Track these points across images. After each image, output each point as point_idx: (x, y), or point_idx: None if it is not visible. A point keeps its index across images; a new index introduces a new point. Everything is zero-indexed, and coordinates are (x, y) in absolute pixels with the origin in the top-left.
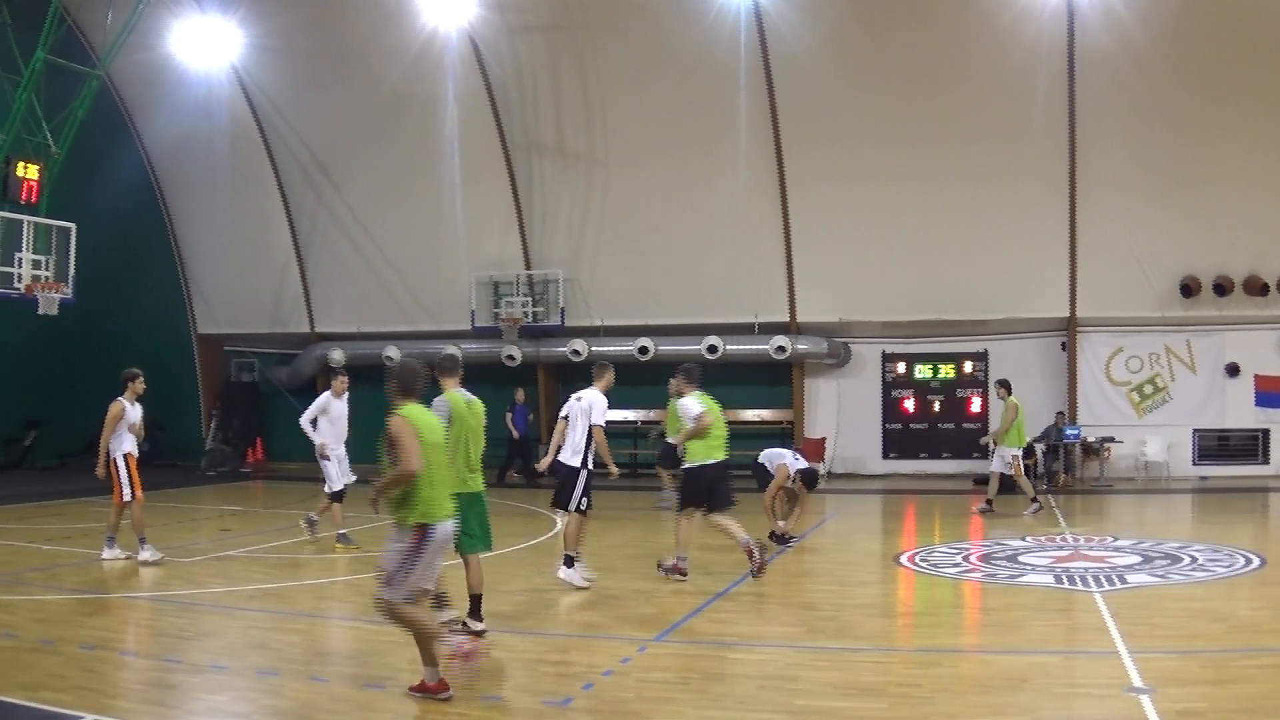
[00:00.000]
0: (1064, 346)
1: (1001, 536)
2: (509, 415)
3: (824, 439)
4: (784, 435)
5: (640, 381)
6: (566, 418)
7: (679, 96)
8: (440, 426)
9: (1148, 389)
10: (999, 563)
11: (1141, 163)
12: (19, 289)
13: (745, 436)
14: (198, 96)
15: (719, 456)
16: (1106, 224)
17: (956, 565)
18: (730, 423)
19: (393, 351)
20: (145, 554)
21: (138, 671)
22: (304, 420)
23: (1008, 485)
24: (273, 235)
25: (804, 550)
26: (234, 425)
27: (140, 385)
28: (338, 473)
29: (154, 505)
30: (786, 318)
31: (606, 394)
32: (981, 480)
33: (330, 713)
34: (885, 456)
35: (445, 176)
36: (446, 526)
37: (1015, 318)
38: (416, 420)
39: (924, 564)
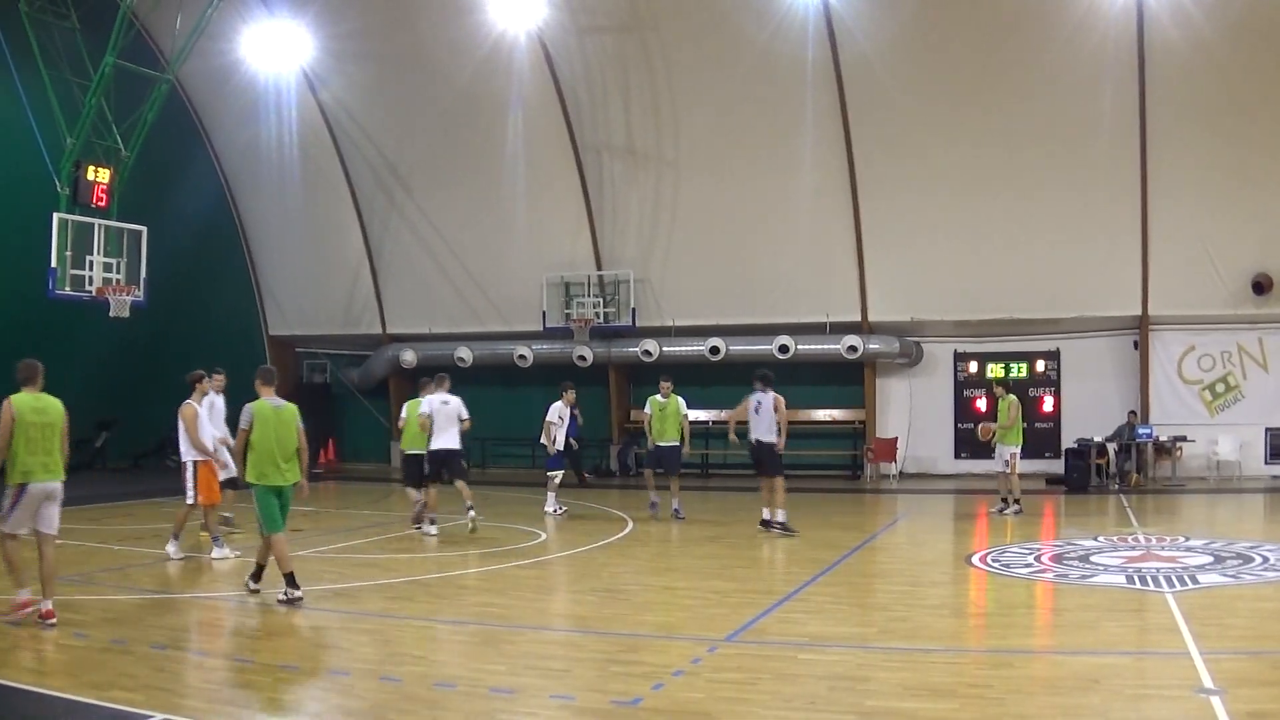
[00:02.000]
0: (1136, 345)
1: (1073, 536)
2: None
3: (895, 439)
4: (855, 435)
5: (711, 381)
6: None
7: (748, 96)
8: (42, 408)
9: (1220, 387)
10: (1071, 563)
11: (1212, 160)
12: (90, 292)
13: (817, 436)
14: (267, 99)
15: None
16: (1178, 222)
17: (1028, 565)
18: (802, 423)
19: (464, 352)
20: (217, 552)
21: (209, 671)
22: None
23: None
24: (344, 237)
25: (876, 550)
26: (305, 426)
27: (207, 384)
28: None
29: (225, 505)
30: (858, 317)
31: None
32: (1054, 480)
33: (401, 712)
34: (957, 456)
35: (516, 177)
36: (41, 486)
37: (1087, 316)
38: (16, 404)
39: (996, 564)
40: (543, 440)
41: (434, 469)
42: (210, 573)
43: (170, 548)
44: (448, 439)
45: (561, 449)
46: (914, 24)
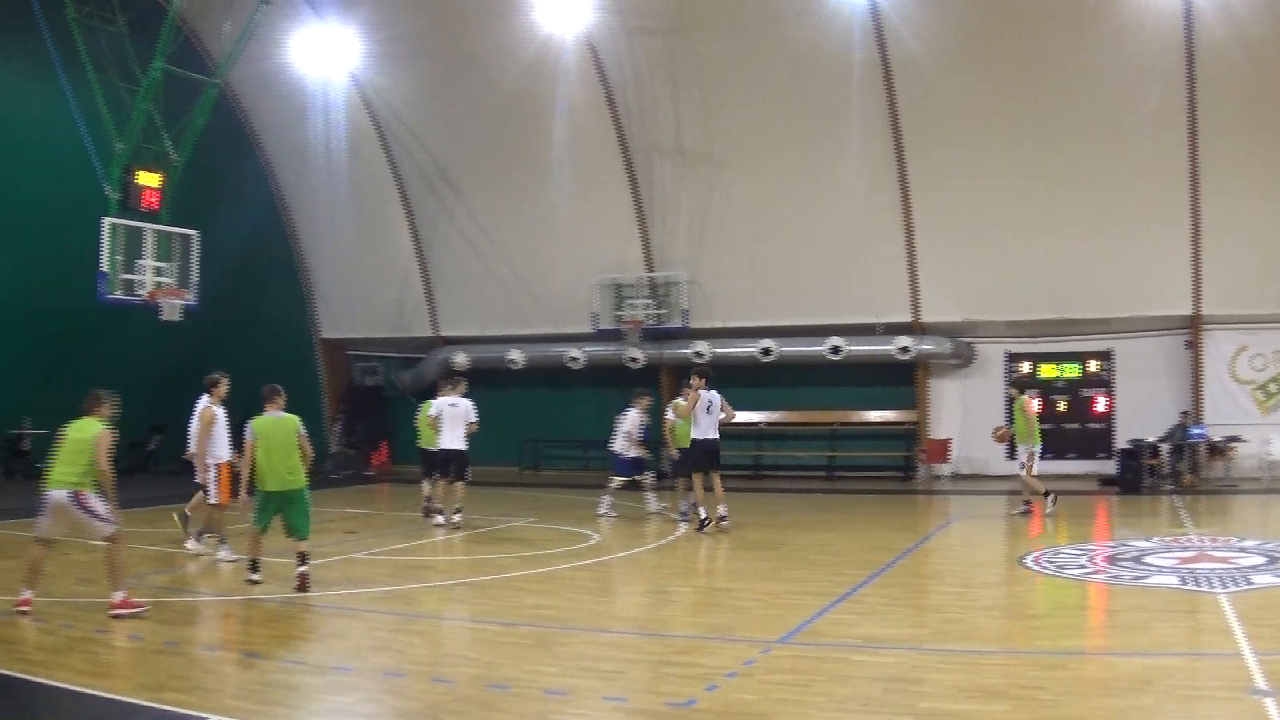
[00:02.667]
0: (1188, 345)
1: (1126, 537)
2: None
3: (948, 440)
4: (907, 437)
5: (763, 383)
6: None
7: (797, 96)
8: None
9: (1272, 387)
10: (1124, 564)
11: (1264, 158)
12: (142, 296)
13: (869, 438)
14: (316, 103)
15: None
16: (1230, 221)
17: (1081, 566)
18: (854, 424)
19: (515, 354)
20: (223, 552)
21: (261, 672)
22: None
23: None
24: (394, 240)
25: (929, 552)
26: (358, 429)
27: (224, 388)
28: None
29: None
30: (909, 318)
31: None
32: (1107, 481)
33: (455, 714)
34: (1010, 457)
35: (565, 179)
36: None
37: (1139, 316)
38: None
39: (1048, 565)
40: (616, 447)
41: (436, 466)
42: (262, 574)
43: (222, 552)
44: (452, 439)
45: (636, 456)
46: (963, 20)
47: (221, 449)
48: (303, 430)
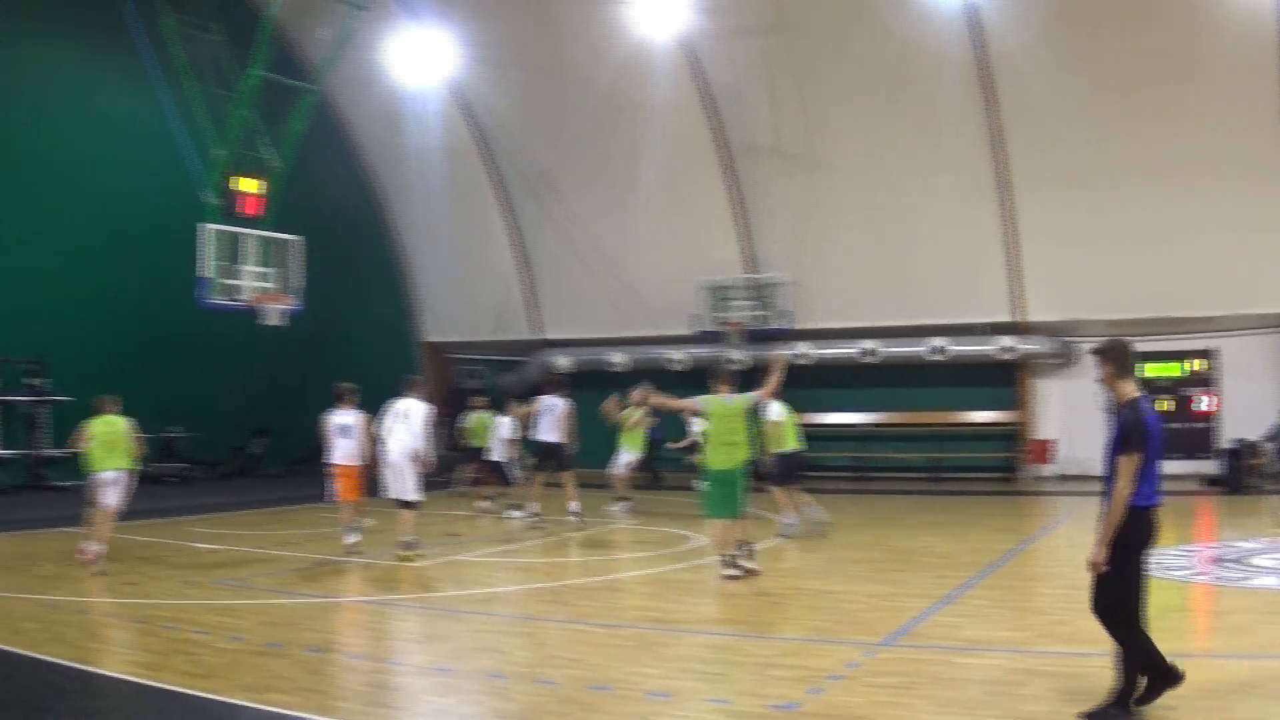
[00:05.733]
0: None
1: (1231, 538)
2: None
3: (1052, 440)
4: (1011, 437)
5: (865, 384)
6: None
7: (895, 94)
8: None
9: None
10: (1228, 565)
11: None
12: (243, 301)
13: (972, 438)
14: (414, 108)
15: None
16: None
17: (1185, 568)
18: (957, 425)
19: (617, 357)
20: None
21: (363, 674)
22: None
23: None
24: (495, 243)
25: (1033, 553)
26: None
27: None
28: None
29: (384, 510)
30: (1012, 317)
31: None
32: (1211, 481)
33: (556, 715)
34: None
35: (664, 181)
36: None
37: (1242, 314)
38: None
39: (1153, 566)
40: (499, 457)
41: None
42: (364, 576)
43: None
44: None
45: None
46: (1062, 18)
47: (335, 453)
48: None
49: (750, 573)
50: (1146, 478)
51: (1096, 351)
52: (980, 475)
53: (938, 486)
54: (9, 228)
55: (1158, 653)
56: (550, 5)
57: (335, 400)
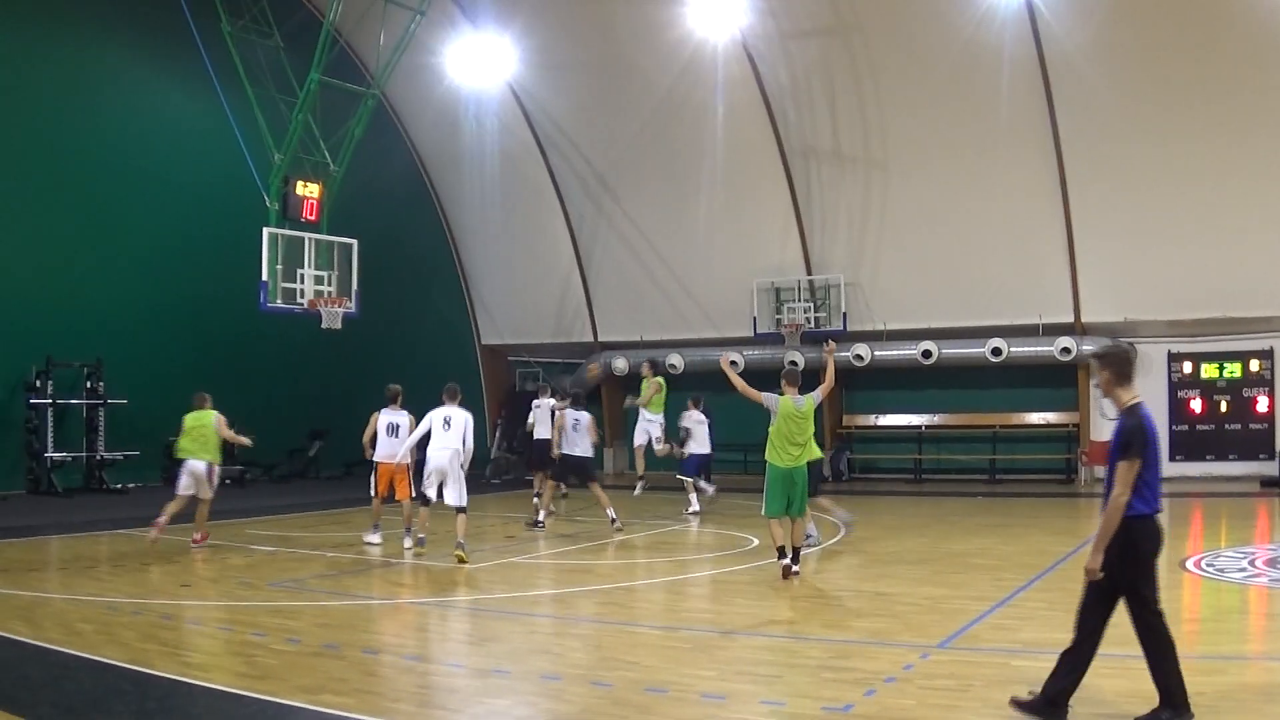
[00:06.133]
0: None
1: None
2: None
3: (1109, 442)
4: (1069, 439)
5: (924, 385)
6: None
7: (954, 95)
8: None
9: None
10: None
11: None
12: (302, 304)
13: (1030, 440)
14: (474, 111)
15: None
16: None
17: (1242, 570)
18: (1014, 426)
19: (675, 359)
20: (406, 542)
21: (419, 676)
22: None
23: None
24: (553, 245)
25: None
26: (519, 434)
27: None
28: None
29: (438, 512)
30: (1071, 319)
31: None
32: (1269, 482)
33: (612, 717)
34: (1172, 459)
35: (722, 183)
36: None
37: None
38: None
39: (1209, 569)
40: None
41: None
42: (420, 578)
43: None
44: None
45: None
46: (1120, 18)
47: (376, 451)
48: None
49: (795, 574)
50: (1148, 485)
51: (1096, 357)
52: (1039, 477)
53: (996, 489)
54: (68, 231)
55: (1078, 680)
56: (609, 7)
57: (390, 400)
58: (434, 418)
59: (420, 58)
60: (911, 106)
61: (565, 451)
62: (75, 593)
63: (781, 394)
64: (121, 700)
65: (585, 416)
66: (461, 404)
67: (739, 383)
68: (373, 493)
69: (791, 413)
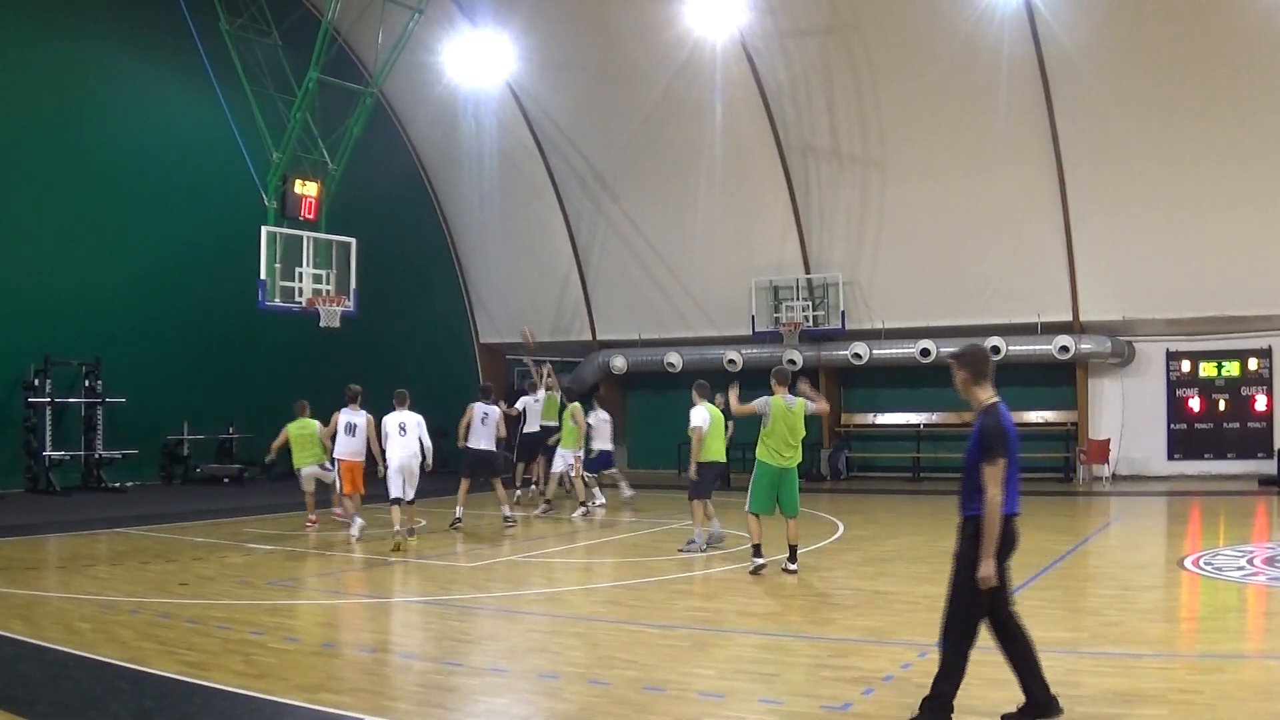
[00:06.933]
0: None
1: None
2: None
3: (1108, 440)
4: (1067, 437)
5: (922, 384)
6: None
7: (952, 94)
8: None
9: None
10: None
11: None
12: (300, 303)
13: (1028, 438)
14: (472, 109)
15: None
16: None
17: (1241, 569)
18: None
19: (674, 358)
20: (353, 531)
21: (417, 674)
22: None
23: None
24: (552, 244)
25: (1088, 554)
26: (517, 433)
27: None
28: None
29: (434, 511)
30: (1069, 317)
31: None
32: (1266, 481)
33: (610, 716)
34: (1170, 458)
35: (721, 182)
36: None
37: None
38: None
39: (1208, 567)
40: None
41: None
42: (418, 576)
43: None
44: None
45: None
46: (1117, 13)
47: (337, 448)
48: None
49: (777, 571)
50: (1005, 485)
51: (952, 357)
52: (1037, 475)
53: None
54: (66, 229)
55: (958, 683)
56: (607, 7)
57: (350, 400)
58: (389, 423)
59: (419, 56)
60: (910, 105)
61: (469, 445)
62: (73, 591)
63: (772, 394)
64: (119, 699)
65: (495, 411)
66: (411, 407)
67: (736, 407)
68: (338, 489)
69: (784, 411)
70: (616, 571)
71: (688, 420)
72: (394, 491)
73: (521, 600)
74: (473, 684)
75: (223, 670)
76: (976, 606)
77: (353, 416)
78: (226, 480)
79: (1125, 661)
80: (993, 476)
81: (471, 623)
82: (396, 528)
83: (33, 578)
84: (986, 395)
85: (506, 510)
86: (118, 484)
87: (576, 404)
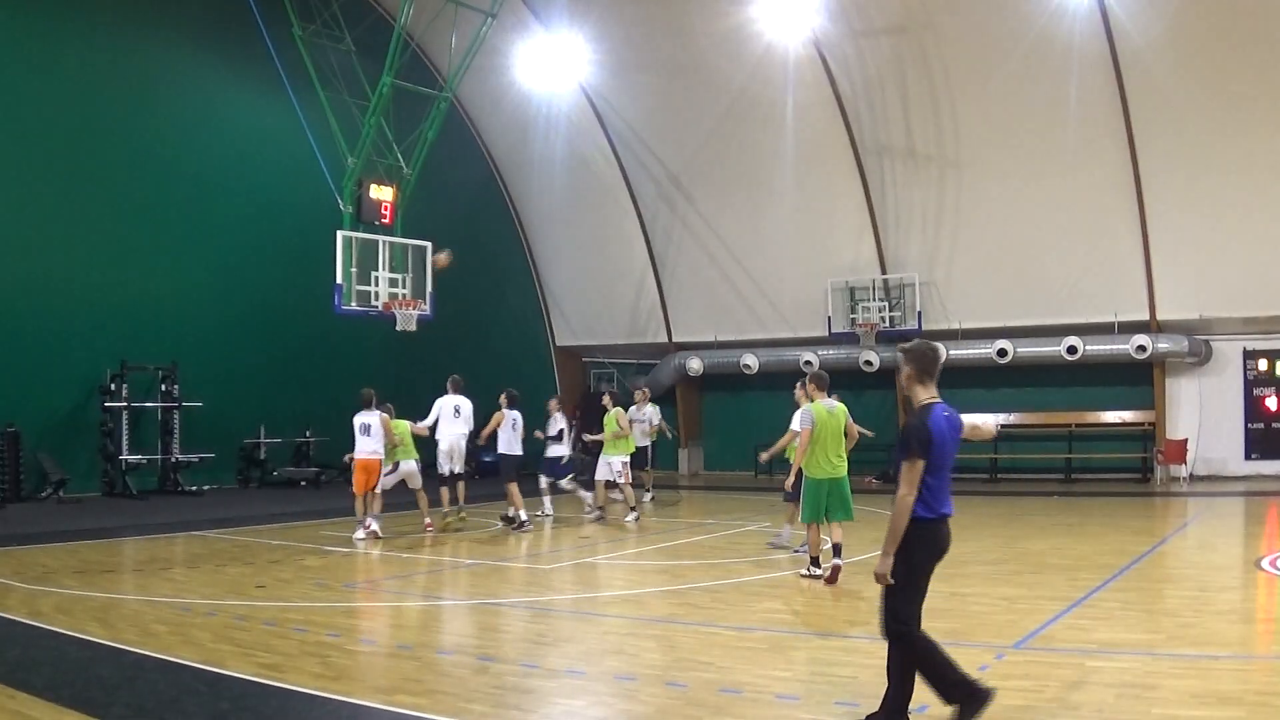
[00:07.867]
0: None
1: None
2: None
3: (1185, 440)
4: (1145, 437)
5: (999, 384)
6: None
7: (1028, 93)
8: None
9: None
10: None
11: None
12: (377, 307)
13: (1106, 439)
14: (545, 113)
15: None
16: None
17: None
18: (1090, 425)
19: (750, 359)
20: (359, 533)
21: (493, 676)
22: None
23: None
24: (627, 246)
25: (1165, 555)
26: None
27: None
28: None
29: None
30: (1146, 316)
31: None
32: None
33: (686, 718)
34: (1248, 457)
35: (796, 183)
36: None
37: None
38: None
39: (1266, 569)
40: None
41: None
42: (495, 579)
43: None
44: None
45: None
46: (1191, 7)
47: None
48: None
49: (818, 577)
50: (933, 489)
51: (901, 351)
52: (1114, 476)
53: (1071, 487)
54: (142, 236)
55: (958, 669)
56: (680, 9)
57: (364, 404)
58: (443, 405)
59: (492, 60)
60: (984, 104)
61: (509, 451)
62: (150, 594)
63: (811, 401)
64: (195, 700)
65: (520, 417)
66: (463, 392)
67: (785, 443)
68: (354, 490)
69: (827, 417)
70: (693, 573)
71: (787, 422)
72: (444, 468)
73: (599, 602)
74: (549, 686)
75: (299, 672)
76: (913, 604)
77: (366, 418)
78: (303, 483)
79: (1203, 663)
80: (906, 476)
81: (547, 625)
82: (446, 508)
83: (109, 581)
84: (927, 395)
85: (511, 511)
86: (194, 487)
87: (619, 409)
